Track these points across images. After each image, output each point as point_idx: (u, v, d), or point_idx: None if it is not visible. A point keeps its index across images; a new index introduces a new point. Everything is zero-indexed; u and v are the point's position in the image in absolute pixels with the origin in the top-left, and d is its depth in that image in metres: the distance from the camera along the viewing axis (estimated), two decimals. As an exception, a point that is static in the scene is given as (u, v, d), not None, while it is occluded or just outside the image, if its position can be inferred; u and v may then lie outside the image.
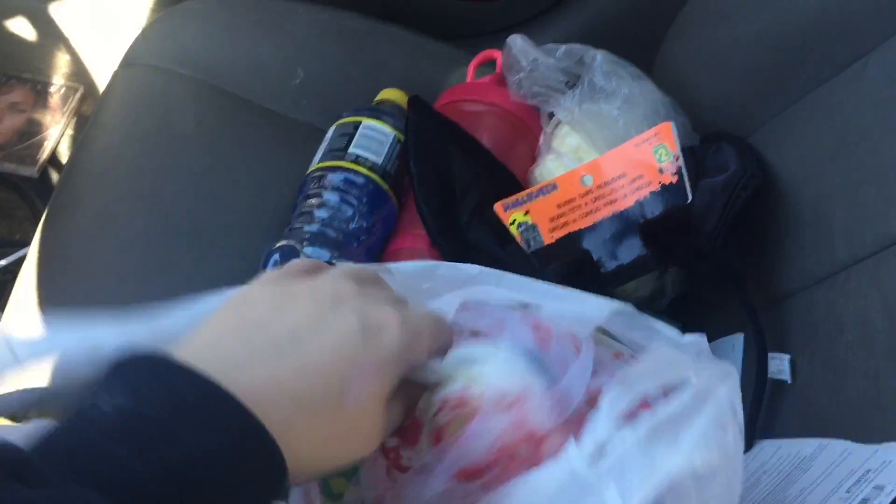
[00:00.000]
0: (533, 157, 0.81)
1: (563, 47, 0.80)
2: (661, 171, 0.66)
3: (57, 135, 1.26)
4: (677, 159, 0.66)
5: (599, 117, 0.76)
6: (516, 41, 0.81)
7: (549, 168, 0.78)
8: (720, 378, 0.37)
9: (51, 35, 1.22)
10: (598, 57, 0.77)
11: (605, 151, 0.72)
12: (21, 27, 1.21)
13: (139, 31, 0.93)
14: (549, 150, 0.80)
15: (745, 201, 0.66)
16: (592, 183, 0.68)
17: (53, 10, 1.18)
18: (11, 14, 1.19)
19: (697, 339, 0.42)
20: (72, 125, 1.29)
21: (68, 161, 0.87)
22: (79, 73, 1.28)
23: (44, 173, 1.23)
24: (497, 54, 0.85)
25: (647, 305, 0.73)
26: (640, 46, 0.85)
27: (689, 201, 0.64)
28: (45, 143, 1.24)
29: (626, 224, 0.66)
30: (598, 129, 0.75)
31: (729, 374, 0.38)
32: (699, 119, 0.78)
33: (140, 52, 0.91)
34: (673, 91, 0.78)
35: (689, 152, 0.71)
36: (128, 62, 0.91)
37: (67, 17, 1.19)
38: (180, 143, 0.82)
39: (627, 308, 0.42)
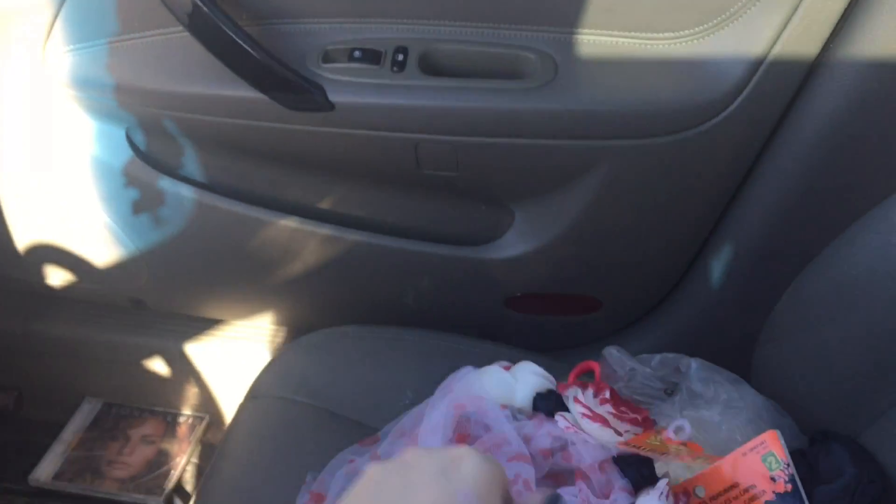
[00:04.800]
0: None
1: (657, 357, 0.83)
2: (773, 479, 0.66)
3: (182, 463, 1.33)
4: (788, 466, 0.66)
5: (701, 424, 0.77)
6: (612, 352, 0.86)
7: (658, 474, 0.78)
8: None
9: (183, 370, 1.34)
10: (693, 365, 0.80)
11: (712, 457, 0.73)
12: (158, 365, 1.34)
13: (264, 365, 1.02)
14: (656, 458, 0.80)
15: (866, 508, 0.64)
16: (705, 494, 0.68)
17: (188, 348, 1.31)
18: (151, 354, 1.33)
19: None
20: (196, 453, 1.36)
21: (196, 492, 0.91)
22: (205, 404, 1.38)
23: (169, 502, 1.29)
24: (595, 365, 0.89)
25: None
26: (734, 352, 0.88)
27: (807, 510, 0.63)
28: (172, 473, 1.31)
29: (745, 537, 0.65)
30: (702, 435, 0.76)
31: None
32: (804, 419, 0.78)
33: (265, 384, 0.99)
34: (774, 393, 0.80)
35: (800, 456, 0.70)
36: (254, 394, 0.98)
37: (199, 353, 1.32)
38: (302, 469, 0.86)
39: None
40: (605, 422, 0.71)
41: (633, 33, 0.88)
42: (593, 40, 0.89)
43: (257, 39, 0.87)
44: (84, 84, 0.98)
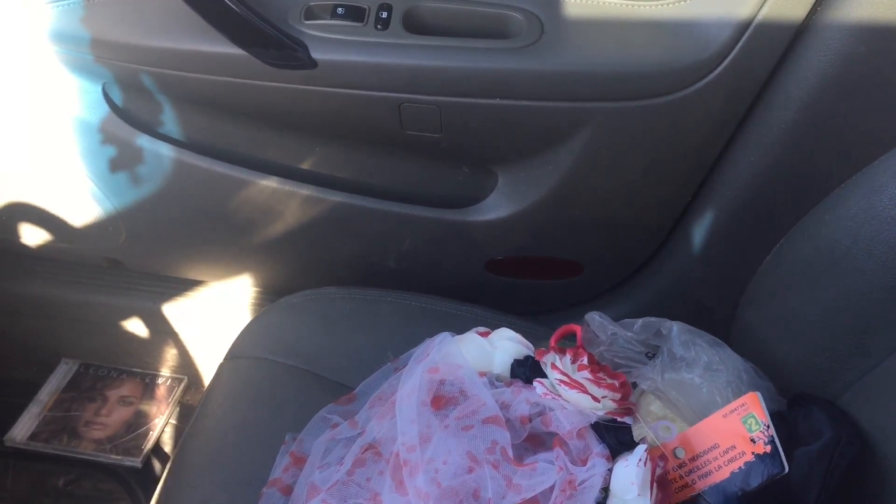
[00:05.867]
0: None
1: (639, 321, 0.83)
2: (752, 440, 0.66)
3: (161, 424, 1.33)
4: (768, 428, 0.66)
5: (682, 386, 0.78)
6: (594, 318, 0.85)
7: (637, 437, 0.79)
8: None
9: (161, 331, 1.33)
10: (675, 328, 0.80)
11: (692, 419, 0.74)
12: (136, 326, 1.33)
13: (244, 326, 1.01)
14: (635, 421, 0.81)
15: (844, 469, 0.65)
16: (684, 455, 0.69)
17: (166, 309, 1.30)
18: (129, 315, 1.32)
19: None
20: (175, 415, 1.36)
21: (175, 452, 0.91)
22: (184, 365, 1.37)
23: (147, 463, 1.29)
24: (576, 328, 0.89)
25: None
26: (714, 315, 0.89)
27: (785, 471, 0.64)
28: (150, 434, 1.31)
29: (724, 497, 0.65)
30: (683, 398, 0.77)
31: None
32: (784, 382, 0.79)
33: (245, 344, 0.98)
34: (753, 356, 0.80)
35: (779, 418, 0.71)
36: (233, 354, 0.98)
37: (177, 314, 1.30)
38: (282, 431, 0.86)
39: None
40: (582, 388, 0.71)
41: (620, -6, 0.87)
42: (580, 1, 0.88)
43: (238, -7, 0.85)
44: (61, 38, 0.96)
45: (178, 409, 1.37)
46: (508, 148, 0.99)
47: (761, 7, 0.82)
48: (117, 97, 1.03)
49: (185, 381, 1.39)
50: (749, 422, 0.67)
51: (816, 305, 0.75)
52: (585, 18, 0.88)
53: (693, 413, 0.75)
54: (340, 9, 0.90)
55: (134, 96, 1.02)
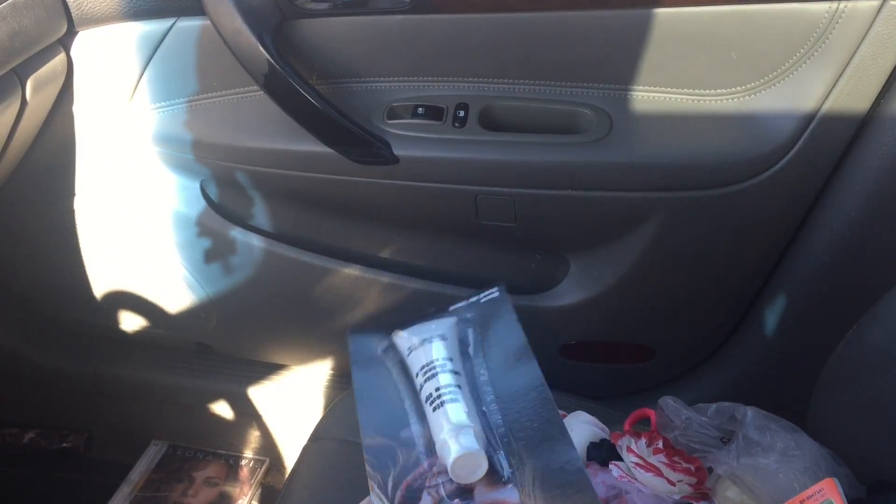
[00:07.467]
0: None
1: (713, 406, 0.84)
2: (830, 526, 0.66)
3: (244, 505, 1.37)
4: (846, 514, 0.66)
5: (758, 471, 0.78)
6: (668, 402, 0.86)
7: (716, 523, 0.79)
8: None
9: (245, 413, 1.38)
10: (749, 413, 0.81)
11: (769, 505, 0.73)
12: (222, 408, 1.38)
13: (326, 408, 1.05)
14: (712, 509, 0.81)
15: (925, 556, 0.64)
16: (762, 540, 0.69)
17: (251, 392, 1.35)
18: (216, 398, 1.37)
19: None
20: (257, 496, 1.40)
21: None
22: (266, 447, 1.42)
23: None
24: (650, 412, 0.90)
25: None
26: (790, 400, 0.89)
27: (865, 558, 0.63)
28: (234, 515, 1.35)
29: (804, 585, 0.65)
30: (760, 483, 0.77)
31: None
32: (863, 468, 0.78)
33: (328, 426, 1.02)
34: (830, 441, 0.80)
35: (858, 505, 0.71)
36: (316, 436, 1.01)
37: (261, 397, 1.35)
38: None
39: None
40: (658, 471, 0.72)
41: (685, 90, 0.91)
42: (647, 96, 0.92)
43: (327, 98, 0.92)
44: (164, 140, 1.05)
45: (259, 490, 1.40)
46: (580, 236, 1.02)
47: (825, 100, 0.85)
48: (213, 193, 1.11)
49: (268, 462, 1.43)
50: (827, 507, 0.67)
51: (891, 391, 0.75)
52: (652, 112, 0.92)
53: (770, 499, 0.75)
54: (420, 109, 0.97)
55: (228, 192, 1.10)
